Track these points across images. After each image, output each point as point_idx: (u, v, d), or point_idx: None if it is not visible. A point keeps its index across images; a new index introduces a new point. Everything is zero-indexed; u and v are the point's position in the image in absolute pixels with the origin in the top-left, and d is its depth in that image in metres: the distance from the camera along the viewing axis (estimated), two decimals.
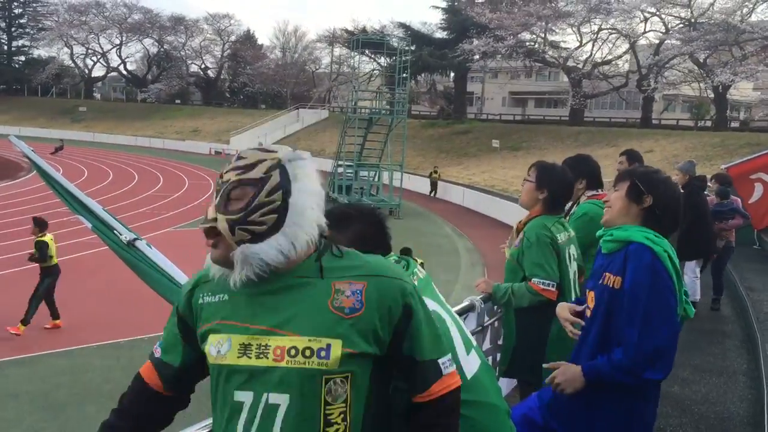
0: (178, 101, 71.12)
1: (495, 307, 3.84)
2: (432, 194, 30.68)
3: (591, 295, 2.51)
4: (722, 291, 8.11)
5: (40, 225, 10.24)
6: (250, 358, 1.52)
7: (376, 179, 28.48)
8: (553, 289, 3.18)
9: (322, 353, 1.48)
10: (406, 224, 21.80)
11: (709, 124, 41.11)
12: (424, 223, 23.24)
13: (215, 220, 1.54)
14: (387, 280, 1.57)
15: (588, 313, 2.52)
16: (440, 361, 1.62)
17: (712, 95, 38.86)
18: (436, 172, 31.52)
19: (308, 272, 1.57)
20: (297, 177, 1.58)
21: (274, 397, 1.49)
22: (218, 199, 1.56)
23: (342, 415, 1.51)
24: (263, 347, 1.51)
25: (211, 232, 1.56)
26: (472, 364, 2.08)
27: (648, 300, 2.22)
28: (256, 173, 1.55)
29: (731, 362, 6.14)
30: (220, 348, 1.56)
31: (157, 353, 1.75)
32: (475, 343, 2.19)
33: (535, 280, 3.19)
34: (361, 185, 27.97)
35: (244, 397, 1.52)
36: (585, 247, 4.12)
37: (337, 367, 1.49)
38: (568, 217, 4.30)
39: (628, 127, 39.64)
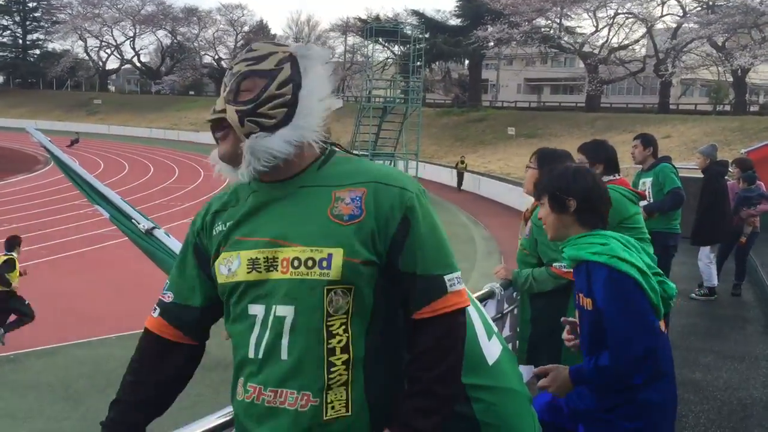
0: (192, 92, 71.33)
1: (515, 294, 3.80)
2: (459, 187, 28.37)
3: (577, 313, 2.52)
4: (744, 277, 8.02)
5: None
6: (260, 272, 1.50)
7: None
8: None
9: (324, 263, 1.45)
10: None
11: (727, 108, 40.63)
12: (440, 212, 22.90)
13: (224, 111, 1.52)
14: (387, 187, 1.51)
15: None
16: (446, 277, 1.54)
17: (731, 79, 38.40)
18: (462, 162, 28.69)
19: (311, 180, 1.54)
20: (308, 72, 1.55)
21: (281, 309, 1.47)
22: (227, 89, 1.53)
23: (343, 327, 1.48)
24: (271, 260, 1.49)
25: (219, 124, 1.53)
26: (493, 349, 2.05)
27: (619, 310, 2.22)
28: (268, 64, 1.53)
29: (753, 348, 6.07)
30: (230, 266, 1.54)
31: (168, 298, 1.69)
32: (496, 329, 2.16)
33: (556, 264, 3.17)
34: None
35: (256, 310, 1.51)
36: (612, 230, 4.08)
37: (339, 278, 1.45)
38: None
39: (645, 113, 39.26)
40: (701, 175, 7.63)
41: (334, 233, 1.47)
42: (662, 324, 2.36)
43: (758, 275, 8.50)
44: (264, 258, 1.50)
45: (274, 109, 1.50)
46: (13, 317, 8.95)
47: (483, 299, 3.42)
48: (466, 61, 53.40)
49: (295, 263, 1.47)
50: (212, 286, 1.64)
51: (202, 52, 73.39)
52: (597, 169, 4.15)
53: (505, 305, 3.84)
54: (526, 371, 3.78)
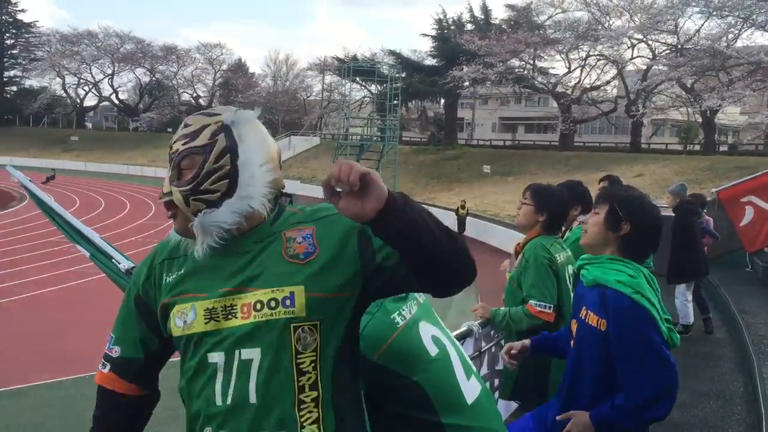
0: (170, 129, 70.97)
1: (492, 332, 3.84)
2: (460, 233, 26.61)
3: (574, 325, 2.52)
4: (708, 309, 8.10)
5: None
6: (218, 321, 1.51)
7: None
8: (550, 311, 3.19)
9: (287, 302, 1.47)
10: None
11: (697, 148, 41.45)
12: None
13: (170, 193, 1.56)
14: (334, 217, 1.53)
15: (571, 343, 2.53)
16: None
17: (700, 120, 39.21)
18: (463, 207, 26.37)
19: (263, 235, 1.56)
20: (242, 137, 1.56)
21: (247, 353, 1.48)
22: (171, 170, 1.57)
23: (312, 364, 1.49)
24: (229, 308, 1.50)
25: (170, 205, 1.57)
26: (473, 389, 2.08)
27: (637, 346, 2.22)
28: (202, 139, 1.54)
29: (728, 386, 6.14)
30: (185, 318, 1.54)
31: (115, 353, 1.70)
32: (474, 368, 2.19)
33: (532, 302, 3.21)
34: None
35: (217, 358, 1.51)
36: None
37: (303, 315, 1.47)
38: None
39: (617, 152, 39.87)
40: (673, 214, 7.79)
41: (293, 272, 1.49)
42: None
43: (731, 312, 8.62)
44: (222, 307, 1.51)
45: (216, 183, 1.52)
46: None
47: (461, 337, 3.44)
48: (442, 100, 54.01)
49: (258, 306, 1.48)
50: (156, 337, 1.66)
51: (181, 90, 73.42)
52: (575, 210, 4.25)
53: (483, 343, 3.86)
54: (505, 406, 3.80)
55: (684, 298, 7.72)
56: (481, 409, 2.06)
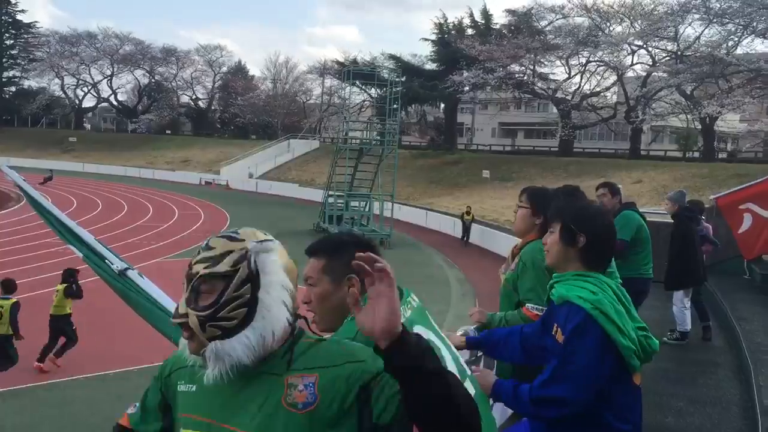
0: (168, 131, 71.25)
1: None
2: (464, 240, 25.81)
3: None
4: (708, 317, 8.09)
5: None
6: None
7: (367, 209, 28.51)
8: None
9: None
10: (396, 254, 21.77)
11: (696, 155, 41.52)
12: (415, 254, 23.22)
13: (186, 315, 1.53)
14: (338, 368, 1.50)
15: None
16: None
17: (700, 126, 39.32)
18: (468, 213, 25.96)
19: (274, 368, 1.54)
20: (265, 269, 1.56)
21: None
22: (188, 292, 1.55)
23: None
24: None
25: (184, 326, 1.54)
26: None
27: (573, 354, 2.24)
28: (224, 266, 1.53)
29: (725, 393, 6.12)
30: None
31: (131, 410, 1.77)
32: (469, 372, 2.18)
33: (528, 305, 3.19)
34: (352, 215, 28.01)
35: None
36: None
37: None
38: None
39: (617, 158, 39.98)
40: (671, 220, 7.78)
41: (289, 422, 1.47)
42: (638, 377, 2.37)
43: (728, 320, 8.60)
44: None
45: (234, 311, 1.51)
46: (62, 341, 10.05)
47: None
48: (442, 105, 54.16)
49: None
50: (161, 426, 1.70)
51: (180, 92, 73.60)
52: None
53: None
54: (501, 411, 3.77)
55: (681, 305, 7.70)
56: None
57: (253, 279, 1.54)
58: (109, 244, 3.95)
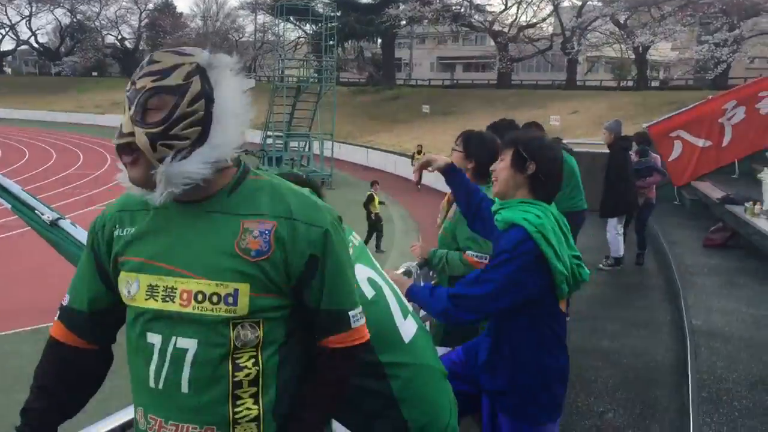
0: (95, 74, 68.26)
1: (431, 272, 3.85)
2: (419, 183, 25.87)
3: None
4: (645, 246, 8.41)
5: None
6: (156, 300, 1.44)
7: (307, 149, 28.19)
8: (487, 262, 3.20)
9: (230, 299, 1.40)
10: (339, 194, 21.72)
11: (631, 84, 42.30)
12: (357, 192, 23.13)
13: (132, 134, 1.38)
14: (297, 223, 1.45)
15: None
16: (350, 312, 1.55)
17: (633, 56, 39.92)
18: (420, 152, 24.16)
19: (220, 206, 1.46)
20: (219, 84, 1.45)
21: (182, 342, 1.42)
22: (133, 108, 1.39)
23: (252, 360, 1.44)
24: (170, 289, 1.43)
25: (128, 148, 1.40)
26: (409, 328, 2.10)
27: (502, 264, 2.31)
28: (175, 79, 1.40)
29: (656, 314, 6.41)
30: (129, 288, 1.47)
31: (65, 300, 1.61)
32: (411, 308, 2.20)
33: (469, 252, 3.21)
34: (292, 156, 27.66)
35: (154, 339, 1.45)
36: None
37: (246, 313, 1.41)
38: None
39: (554, 89, 40.39)
40: (607, 150, 7.95)
41: (240, 268, 1.41)
42: (563, 304, 2.46)
43: (660, 244, 8.95)
44: (164, 287, 1.43)
45: (188, 129, 1.39)
46: None
47: None
48: (379, 40, 53.30)
49: (199, 297, 1.41)
50: (104, 291, 1.56)
51: (104, 32, 70.25)
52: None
53: (422, 283, 3.88)
54: (440, 351, 3.84)
55: (615, 231, 7.94)
56: (418, 347, 2.09)
57: (208, 94, 1.42)
58: (39, 194, 3.81)
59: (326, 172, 25.51)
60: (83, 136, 40.92)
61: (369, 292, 2.03)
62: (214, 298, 1.40)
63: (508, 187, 2.44)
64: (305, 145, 28.23)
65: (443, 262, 3.33)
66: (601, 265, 8.06)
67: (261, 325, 1.44)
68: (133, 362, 1.51)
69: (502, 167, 2.46)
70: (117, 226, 1.53)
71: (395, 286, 2.19)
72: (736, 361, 4.83)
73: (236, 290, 1.40)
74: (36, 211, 3.51)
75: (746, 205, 8.29)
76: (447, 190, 3.49)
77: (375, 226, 15.15)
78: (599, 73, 55.33)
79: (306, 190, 1.57)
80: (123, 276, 1.49)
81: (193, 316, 1.41)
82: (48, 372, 1.60)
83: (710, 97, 12.01)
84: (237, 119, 1.46)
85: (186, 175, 1.38)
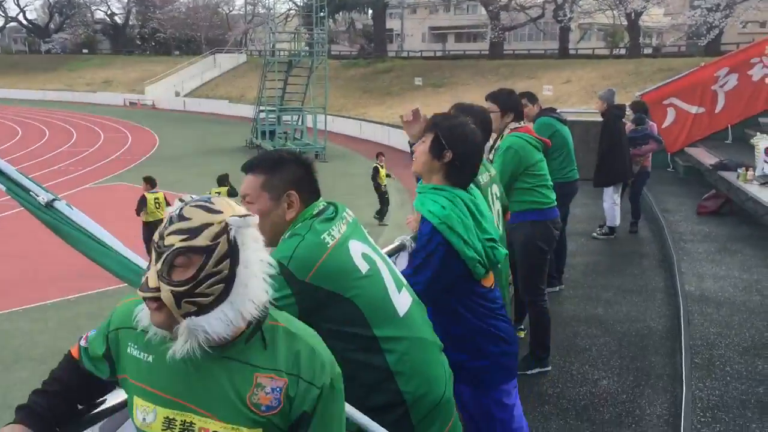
0: (85, 51, 67.52)
1: None
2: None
3: None
4: (639, 215, 8.45)
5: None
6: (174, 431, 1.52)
7: (300, 123, 28.07)
8: None
9: None
10: (332, 167, 21.71)
11: (623, 51, 42.08)
12: (351, 165, 23.18)
13: (158, 289, 1.44)
14: (302, 383, 1.52)
15: None
16: None
17: (626, 23, 39.67)
18: None
19: (237, 353, 1.52)
20: (245, 244, 1.49)
21: None
22: (160, 264, 1.44)
23: None
24: (188, 424, 1.50)
25: (154, 299, 1.45)
26: (403, 301, 2.13)
27: (417, 264, 2.49)
28: (203, 240, 1.44)
29: (649, 281, 6.47)
30: (146, 416, 1.54)
31: (84, 342, 1.73)
32: (405, 281, 2.23)
33: None
34: (285, 130, 27.55)
35: None
36: (512, 179, 4.21)
37: None
38: (493, 151, 4.36)
39: (546, 59, 40.17)
40: (600, 119, 7.94)
41: (252, 417, 1.49)
42: (488, 280, 2.58)
43: (653, 212, 9.00)
44: (181, 422, 1.50)
45: (212, 287, 1.44)
46: None
47: (394, 252, 3.47)
48: (370, 11, 52.82)
49: None
50: (106, 371, 1.68)
51: (94, 7, 69.36)
52: (508, 118, 4.26)
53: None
54: None
55: (612, 201, 7.97)
56: (412, 321, 2.12)
57: (233, 254, 1.46)
58: (33, 172, 3.81)
59: (320, 145, 25.44)
60: (76, 113, 40.65)
61: (363, 267, 2.06)
62: None
63: (424, 170, 2.52)
64: (298, 118, 28.10)
65: None
66: (595, 234, 8.11)
67: None
68: None
69: (421, 150, 2.53)
70: (132, 345, 1.59)
71: (389, 261, 2.22)
72: (729, 327, 4.91)
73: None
74: (31, 193, 3.50)
75: (739, 171, 8.33)
76: None
77: (383, 198, 15.25)
78: (591, 41, 55.01)
79: (318, 339, 1.62)
80: (140, 402, 1.56)
81: None
82: (62, 376, 1.73)
83: (702, 64, 11.99)
84: (257, 281, 1.50)
85: (206, 331, 1.44)
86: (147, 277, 1.46)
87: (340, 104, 36.11)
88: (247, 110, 28.45)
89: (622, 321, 5.41)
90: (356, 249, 2.08)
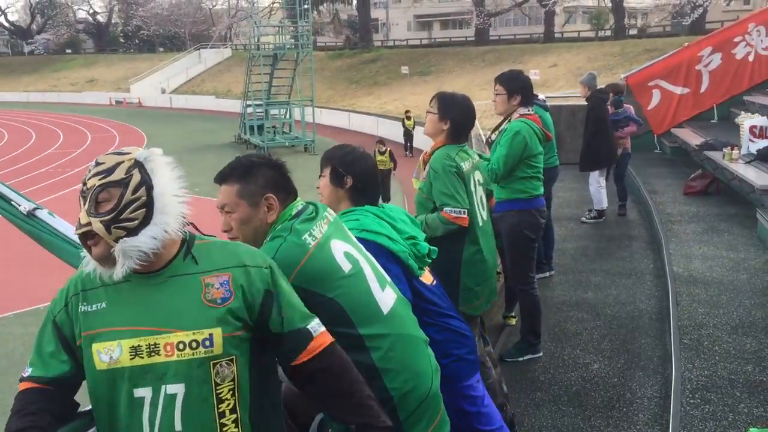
0: (69, 51, 66.99)
1: None
2: (407, 149, 23.30)
3: None
4: (626, 197, 8.49)
5: None
6: (142, 357, 1.66)
7: (288, 116, 27.98)
8: (465, 216, 3.25)
9: (207, 342, 1.67)
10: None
11: (609, 33, 42.10)
12: None
13: (89, 224, 1.67)
14: (249, 269, 1.76)
15: None
16: (308, 326, 1.81)
17: (610, 4, 39.66)
18: (409, 118, 23.48)
19: (179, 269, 1.73)
20: (155, 171, 1.73)
21: (172, 388, 1.66)
22: (87, 204, 1.68)
23: (231, 392, 1.71)
24: (153, 346, 1.66)
25: (88, 235, 1.67)
26: (387, 298, 2.14)
27: None
28: (118, 174, 1.69)
29: (638, 264, 6.51)
30: (111, 354, 1.67)
31: (27, 373, 1.77)
32: (388, 278, 2.24)
33: (446, 209, 3.25)
34: (273, 124, 27.46)
35: (144, 392, 1.66)
36: (514, 165, 4.19)
37: (221, 352, 1.68)
38: (499, 133, 4.34)
39: (532, 43, 40.13)
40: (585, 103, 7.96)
41: (211, 316, 1.69)
42: (426, 277, 2.59)
43: (641, 194, 9.04)
44: (146, 345, 1.66)
45: (134, 212, 1.67)
46: None
47: None
48: (354, 1, 52.57)
49: (181, 346, 1.66)
50: (72, 360, 1.74)
51: (75, 7, 68.74)
52: (514, 101, 4.25)
53: None
54: None
55: (598, 184, 8.00)
56: (397, 317, 2.14)
57: (147, 182, 1.70)
58: (21, 175, 3.80)
59: (309, 138, 25.38)
60: (61, 115, 40.37)
61: (346, 267, 2.07)
62: (194, 344, 1.66)
63: (331, 201, 2.59)
64: (286, 112, 28.00)
65: (424, 225, 3.37)
66: (583, 219, 8.14)
67: (235, 361, 1.71)
68: (120, 420, 1.69)
69: (323, 184, 2.61)
70: (83, 304, 1.74)
71: (372, 258, 2.23)
72: (717, 306, 4.95)
73: (211, 334, 1.67)
74: (12, 202, 3.48)
75: (724, 150, 8.36)
76: (427, 149, 3.51)
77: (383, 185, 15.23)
78: (577, 24, 54.97)
79: (241, 246, 1.87)
80: (102, 345, 1.68)
81: (178, 362, 1.65)
82: (27, 408, 1.72)
83: (686, 44, 12.01)
84: (175, 199, 1.74)
85: (139, 249, 1.66)
86: (79, 218, 1.69)
87: (328, 96, 36.00)
88: (234, 105, 28.34)
89: (612, 304, 5.44)
90: (338, 248, 2.09)
